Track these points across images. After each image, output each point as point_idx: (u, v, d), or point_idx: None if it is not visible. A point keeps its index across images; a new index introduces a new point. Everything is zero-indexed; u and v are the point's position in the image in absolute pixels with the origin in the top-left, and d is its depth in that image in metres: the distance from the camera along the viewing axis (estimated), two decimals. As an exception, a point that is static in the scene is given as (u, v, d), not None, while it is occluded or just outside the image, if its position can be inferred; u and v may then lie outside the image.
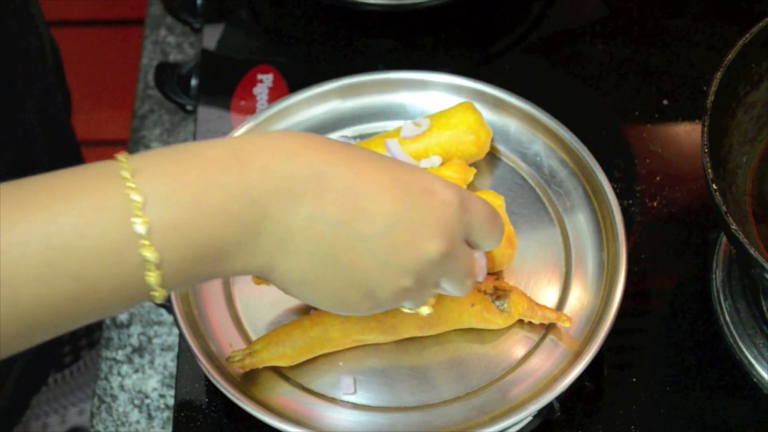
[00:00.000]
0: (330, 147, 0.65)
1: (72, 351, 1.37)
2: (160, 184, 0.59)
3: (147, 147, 1.11)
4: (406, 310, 0.73)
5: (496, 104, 0.94)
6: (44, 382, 1.32)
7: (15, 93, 1.02)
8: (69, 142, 1.25)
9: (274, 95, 1.05)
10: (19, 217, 0.56)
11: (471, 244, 0.71)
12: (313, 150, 0.64)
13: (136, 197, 0.58)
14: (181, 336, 0.82)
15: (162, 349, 0.96)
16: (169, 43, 1.19)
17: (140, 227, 0.58)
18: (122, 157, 0.60)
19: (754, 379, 0.86)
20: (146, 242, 0.58)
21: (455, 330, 0.82)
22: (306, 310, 0.84)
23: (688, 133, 1.03)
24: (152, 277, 0.59)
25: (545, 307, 0.82)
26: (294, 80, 1.06)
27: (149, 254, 0.58)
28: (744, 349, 0.87)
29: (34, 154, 1.07)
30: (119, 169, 0.59)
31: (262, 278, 0.67)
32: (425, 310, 0.73)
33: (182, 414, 0.86)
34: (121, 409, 0.93)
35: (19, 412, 1.19)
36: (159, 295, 0.60)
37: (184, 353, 0.89)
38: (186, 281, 0.62)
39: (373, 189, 0.64)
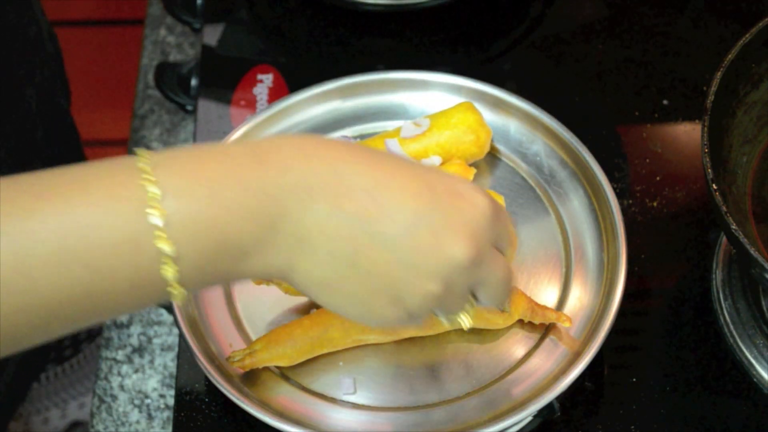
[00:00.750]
0: (350, 149, 0.64)
1: (72, 344, 1.37)
2: (179, 178, 0.59)
3: (147, 147, 1.11)
4: (444, 322, 0.70)
5: (496, 104, 0.94)
6: (43, 369, 1.33)
7: (15, 80, 1.03)
8: (68, 129, 1.25)
9: (274, 95, 1.05)
10: (35, 206, 0.56)
11: None
12: (334, 150, 0.63)
13: (154, 189, 0.58)
14: (181, 336, 0.82)
15: (162, 349, 0.96)
16: (169, 43, 1.19)
17: (157, 219, 0.57)
18: (141, 152, 0.60)
19: (754, 379, 0.86)
20: (163, 234, 0.57)
21: (455, 330, 0.82)
22: (306, 310, 0.84)
23: (688, 133, 1.03)
24: (169, 272, 0.58)
25: (545, 307, 0.82)
26: (294, 80, 1.06)
27: (166, 246, 0.58)
28: (744, 349, 0.87)
29: (34, 141, 1.07)
30: (137, 162, 0.59)
31: (284, 282, 0.66)
32: (465, 322, 0.70)
33: (182, 414, 0.86)
34: (121, 409, 0.93)
35: (18, 399, 1.19)
36: (178, 292, 0.59)
37: (184, 353, 0.89)
38: (205, 280, 0.61)
39: (394, 187, 0.63)
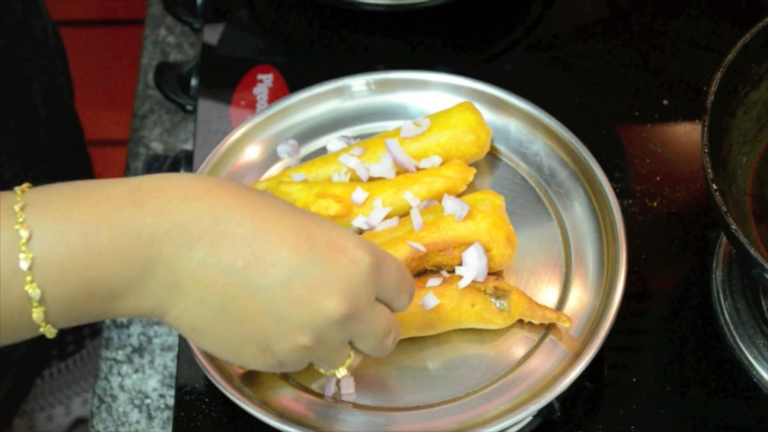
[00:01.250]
0: (237, 193, 0.63)
1: (75, 340, 1.37)
2: (50, 220, 0.59)
3: (147, 147, 1.11)
4: (321, 371, 0.72)
5: (496, 104, 0.94)
6: (46, 365, 1.32)
7: (21, 75, 1.03)
8: (72, 125, 1.25)
9: (274, 95, 1.05)
10: None
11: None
12: (217, 195, 0.62)
13: (23, 232, 0.58)
14: (181, 336, 0.82)
15: (162, 349, 0.96)
16: (169, 43, 1.19)
17: (23, 263, 0.58)
18: (20, 189, 0.60)
19: (754, 379, 0.86)
20: (29, 278, 0.58)
21: (455, 330, 0.82)
22: (306, 310, 0.83)
23: (688, 133, 1.03)
24: (36, 313, 0.60)
25: (545, 307, 0.82)
26: (294, 80, 1.06)
27: (30, 290, 0.59)
28: (744, 349, 0.86)
29: (38, 133, 1.07)
30: (14, 203, 0.60)
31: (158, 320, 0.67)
32: (341, 372, 0.71)
33: (182, 414, 0.86)
34: (121, 409, 0.93)
35: (22, 396, 1.19)
36: (47, 331, 0.61)
37: (184, 353, 0.89)
38: (75, 319, 0.62)
39: (273, 239, 0.62)
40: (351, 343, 0.69)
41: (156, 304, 0.63)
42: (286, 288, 0.63)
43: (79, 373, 1.37)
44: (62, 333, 1.34)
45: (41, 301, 0.59)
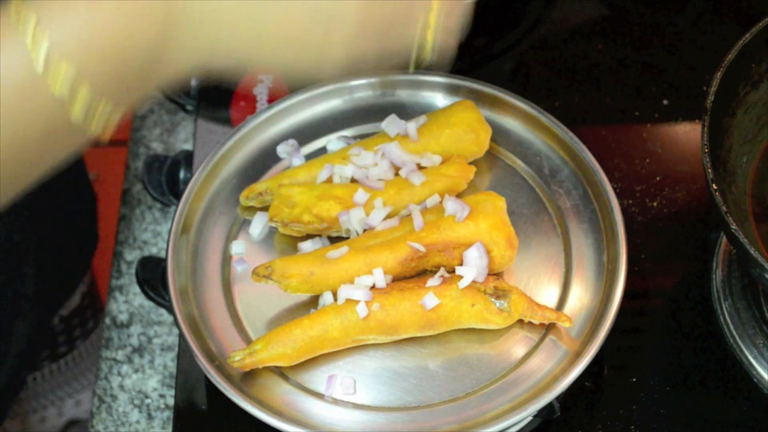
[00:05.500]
0: None
1: (66, 341, 1.37)
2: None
3: (147, 147, 1.11)
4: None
5: (496, 104, 0.94)
6: (37, 367, 1.32)
7: None
8: None
9: (274, 95, 1.05)
10: None
11: None
12: None
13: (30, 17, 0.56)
14: (181, 336, 0.82)
15: (162, 349, 0.96)
16: (169, 43, 1.19)
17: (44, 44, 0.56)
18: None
19: (754, 379, 0.86)
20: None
21: (455, 330, 0.82)
22: (306, 310, 0.84)
23: (688, 133, 1.03)
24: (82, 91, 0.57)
25: (545, 307, 0.82)
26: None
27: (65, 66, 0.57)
28: (744, 349, 0.87)
29: None
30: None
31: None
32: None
33: (182, 414, 0.86)
34: (121, 409, 0.93)
35: (13, 398, 1.19)
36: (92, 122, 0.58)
37: (184, 353, 0.89)
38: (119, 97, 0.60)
39: None
40: None
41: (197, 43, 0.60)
42: None
43: (72, 374, 1.37)
44: (53, 333, 1.34)
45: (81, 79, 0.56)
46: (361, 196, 0.85)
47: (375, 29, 0.61)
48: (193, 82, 1.08)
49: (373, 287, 0.81)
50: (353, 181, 0.88)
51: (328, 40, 0.61)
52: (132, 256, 1.03)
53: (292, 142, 0.93)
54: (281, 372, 0.81)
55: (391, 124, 0.90)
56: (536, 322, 0.82)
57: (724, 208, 0.76)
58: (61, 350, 1.37)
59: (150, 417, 0.93)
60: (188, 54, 0.60)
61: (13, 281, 1.05)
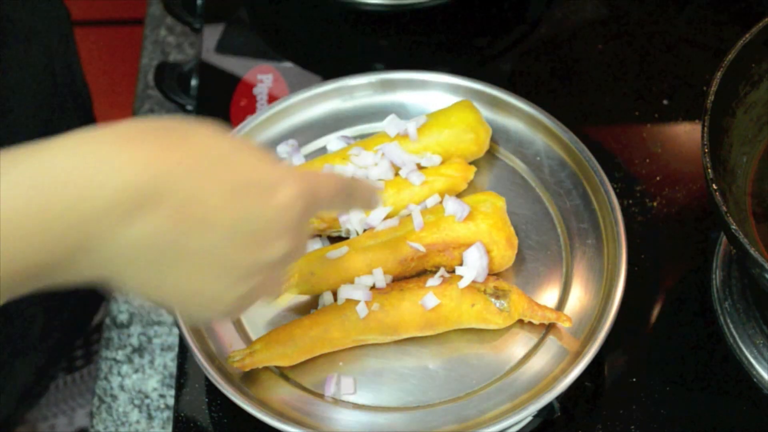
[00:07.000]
0: (166, 144, 0.60)
1: (84, 355, 1.37)
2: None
3: (147, 147, 1.11)
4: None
5: (496, 104, 0.94)
6: (53, 377, 1.33)
7: (41, 51, 1.02)
8: (83, 93, 1.24)
9: (274, 95, 1.05)
10: None
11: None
12: (147, 153, 0.60)
13: None
14: (181, 336, 0.82)
15: (162, 349, 0.96)
16: (169, 43, 1.19)
17: None
18: None
19: (754, 379, 0.86)
20: None
21: (455, 330, 0.82)
22: (306, 310, 0.84)
23: (688, 133, 1.03)
24: None
25: (545, 307, 0.82)
26: (294, 80, 1.06)
27: None
28: (744, 349, 0.87)
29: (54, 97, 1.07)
30: None
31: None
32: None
33: (182, 414, 0.86)
34: (121, 409, 0.93)
35: (27, 407, 1.19)
36: None
37: (184, 353, 0.89)
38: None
39: (209, 199, 0.61)
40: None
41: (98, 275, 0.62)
42: (231, 241, 0.62)
43: (86, 387, 1.37)
44: (71, 348, 1.35)
45: None
46: (361, 196, 0.85)
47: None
48: (194, 82, 1.08)
49: (373, 287, 0.81)
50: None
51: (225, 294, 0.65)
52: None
53: (292, 142, 0.93)
54: (281, 372, 0.81)
55: (391, 124, 0.90)
56: (536, 322, 0.82)
57: (724, 208, 0.76)
58: (78, 363, 1.37)
59: (150, 417, 0.93)
60: (89, 273, 0.62)
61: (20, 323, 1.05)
